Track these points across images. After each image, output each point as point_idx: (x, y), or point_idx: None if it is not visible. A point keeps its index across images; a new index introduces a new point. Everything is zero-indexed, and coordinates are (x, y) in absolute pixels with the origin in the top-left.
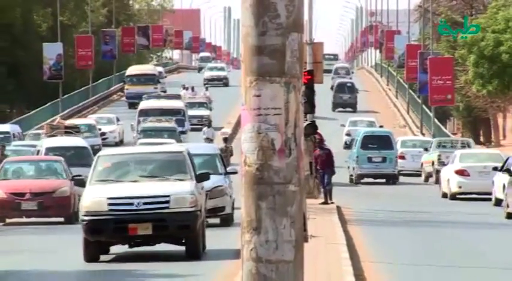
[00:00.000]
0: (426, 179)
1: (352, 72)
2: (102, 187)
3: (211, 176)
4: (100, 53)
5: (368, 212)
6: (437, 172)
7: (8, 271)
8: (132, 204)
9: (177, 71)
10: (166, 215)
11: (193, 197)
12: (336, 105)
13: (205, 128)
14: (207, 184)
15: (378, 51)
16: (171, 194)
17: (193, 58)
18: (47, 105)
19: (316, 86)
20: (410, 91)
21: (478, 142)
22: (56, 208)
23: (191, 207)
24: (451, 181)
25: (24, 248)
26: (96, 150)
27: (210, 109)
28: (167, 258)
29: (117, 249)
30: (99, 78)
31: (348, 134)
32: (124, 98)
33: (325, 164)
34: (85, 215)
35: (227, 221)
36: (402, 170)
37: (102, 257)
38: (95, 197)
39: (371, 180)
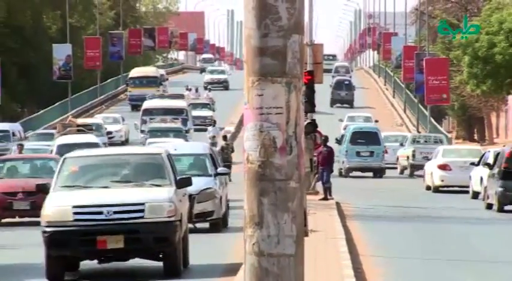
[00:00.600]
0: (401, 172)
1: (352, 71)
2: (67, 194)
3: (200, 178)
4: (108, 54)
5: (366, 207)
6: (412, 166)
7: None
8: (101, 213)
9: (182, 71)
10: (140, 225)
11: (171, 205)
12: (334, 101)
13: (210, 127)
14: (195, 187)
15: (375, 52)
16: (146, 201)
17: (197, 59)
18: (56, 104)
19: (317, 83)
20: (407, 91)
21: (472, 140)
22: None
23: (169, 216)
24: (434, 175)
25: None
26: None
27: (213, 110)
28: (142, 276)
29: (84, 265)
30: (107, 78)
31: (345, 129)
32: (127, 100)
33: (325, 161)
34: (47, 226)
35: (217, 226)
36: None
37: (68, 274)
38: (58, 205)
39: (359, 173)
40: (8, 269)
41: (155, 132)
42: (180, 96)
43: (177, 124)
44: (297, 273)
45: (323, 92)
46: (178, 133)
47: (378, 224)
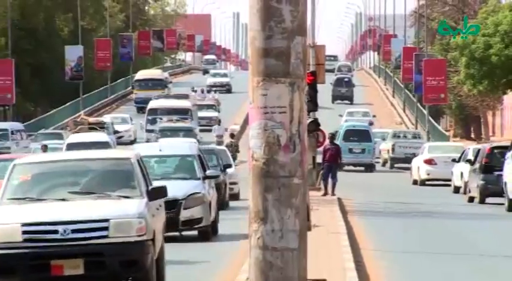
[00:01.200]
0: (383, 165)
1: (353, 70)
2: (16, 209)
3: (187, 182)
4: (118, 55)
5: (366, 203)
6: (392, 159)
7: None
8: (56, 232)
9: (189, 72)
10: (103, 247)
11: (141, 221)
12: (335, 98)
13: (215, 126)
14: (182, 191)
15: (376, 53)
16: (112, 217)
17: (200, 60)
18: (68, 104)
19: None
20: (406, 91)
21: (469, 138)
22: None
23: (139, 235)
24: (420, 169)
25: None
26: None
27: (218, 111)
28: None
29: None
30: (117, 78)
31: (346, 122)
32: (133, 102)
33: (333, 158)
34: None
35: (206, 234)
36: None
37: None
38: (5, 223)
39: (351, 168)
40: None
41: (165, 132)
42: (185, 97)
43: (187, 124)
44: (300, 266)
45: (324, 89)
46: (188, 132)
47: (378, 219)
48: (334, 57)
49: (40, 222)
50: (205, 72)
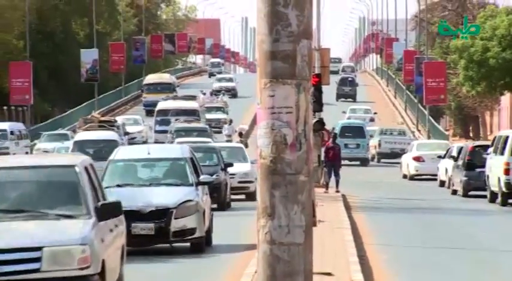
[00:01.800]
0: (371, 159)
1: (356, 70)
2: None
3: (178, 188)
4: (131, 58)
5: (369, 200)
6: (378, 153)
7: None
8: None
9: (200, 74)
10: None
11: (85, 249)
12: (339, 96)
13: (226, 125)
14: (173, 199)
15: (378, 56)
16: (46, 244)
17: (205, 63)
18: (83, 104)
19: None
20: (408, 92)
21: (467, 137)
22: None
23: (82, 268)
24: (409, 166)
25: None
26: None
27: (227, 113)
28: None
29: None
30: (131, 80)
31: (349, 119)
32: (142, 105)
33: (336, 156)
34: None
35: (199, 246)
36: None
37: None
38: None
39: (347, 162)
40: None
41: (180, 132)
42: (193, 98)
43: (201, 124)
44: (306, 260)
45: (329, 88)
46: (202, 133)
47: (380, 215)
48: (339, 60)
49: None
50: (211, 75)
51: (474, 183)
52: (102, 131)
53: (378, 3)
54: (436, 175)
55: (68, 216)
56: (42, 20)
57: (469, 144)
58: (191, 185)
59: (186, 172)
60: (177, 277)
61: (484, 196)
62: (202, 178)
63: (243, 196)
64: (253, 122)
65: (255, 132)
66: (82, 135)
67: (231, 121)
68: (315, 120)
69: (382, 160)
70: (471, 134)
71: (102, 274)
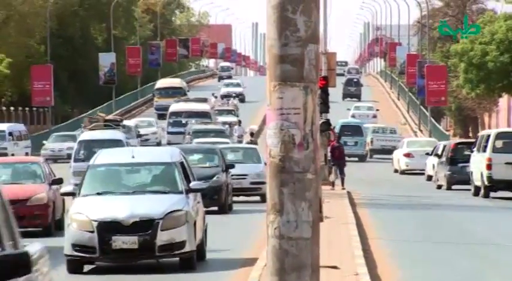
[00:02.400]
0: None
1: (361, 72)
2: None
3: (166, 197)
4: (147, 62)
5: (371, 196)
6: (371, 150)
7: None
8: None
9: (212, 77)
10: None
11: None
12: (345, 96)
13: (236, 126)
14: (159, 209)
15: (382, 60)
16: None
17: (216, 67)
18: (102, 105)
19: (330, 87)
20: (410, 94)
21: (467, 137)
22: (32, 217)
23: None
24: (400, 161)
25: None
26: None
27: (237, 116)
28: None
29: None
30: (146, 83)
31: (353, 116)
32: (153, 109)
33: (341, 156)
34: None
35: (190, 262)
36: None
37: None
38: None
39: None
40: None
41: (197, 133)
42: (204, 100)
43: (218, 126)
44: (313, 254)
45: (336, 88)
46: (220, 134)
47: (383, 211)
48: (345, 63)
49: None
50: (221, 78)
51: (457, 177)
52: (108, 131)
53: (382, 10)
54: (424, 170)
55: None
56: (62, 26)
57: (451, 142)
58: (180, 192)
59: (174, 178)
60: None
61: (467, 189)
62: (194, 184)
63: (257, 198)
64: (263, 122)
65: (264, 132)
66: (87, 135)
67: (240, 122)
68: (321, 121)
69: (374, 156)
70: (470, 134)
71: None
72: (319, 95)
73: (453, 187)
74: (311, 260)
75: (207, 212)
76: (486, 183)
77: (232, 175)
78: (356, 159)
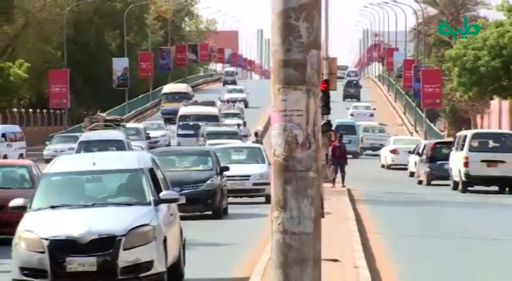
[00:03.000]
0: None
1: (359, 75)
2: None
3: (131, 209)
4: (158, 66)
5: (371, 193)
6: (361, 148)
7: None
8: None
9: (220, 80)
10: None
11: None
12: (345, 97)
13: (241, 127)
14: (122, 224)
15: (380, 64)
16: None
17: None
18: (115, 108)
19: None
20: (406, 96)
21: None
22: (14, 224)
23: None
24: (387, 157)
25: None
26: None
27: (243, 119)
28: None
29: None
30: (158, 86)
31: (352, 115)
32: (160, 114)
33: (342, 155)
34: None
35: None
36: None
37: None
38: None
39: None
40: None
41: (211, 135)
42: (212, 104)
43: (231, 128)
44: (315, 248)
45: (337, 90)
46: (232, 135)
47: (381, 207)
48: (345, 67)
49: None
50: (226, 83)
51: (436, 173)
52: (108, 131)
53: (380, 17)
54: (407, 165)
55: None
56: (78, 32)
57: (431, 141)
58: (148, 204)
59: (141, 187)
60: None
61: (445, 185)
62: (165, 194)
63: (262, 199)
64: (268, 123)
65: (269, 133)
66: (87, 135)
67: (245, 123)
68: (323, 122)
69: (364, 153)
70: None
71: None
72: (320, 97)
73: (432, 182)
74: (313, 254)
75: (201, 218)
76: (464, 179)
77: (234, 176)
78: (350, 156)
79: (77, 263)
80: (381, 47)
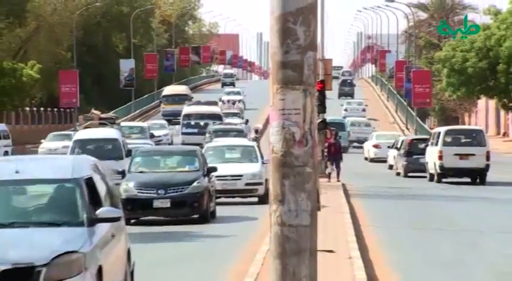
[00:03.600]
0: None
1: (353, 74)
2: None
3: (58, 232)
4: (163, 67)
5: (364, 188)
6: (348, 141)
7: None
8: None
9: (220, 81)
10: None
11: None
12: (340, 95)
13: (243, 125)
14: (44, 251)
15: (373, 65)
16: None
17: (220, 74)
18: (122, 106)
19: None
20: (398, 96)
21: None
22: None
23: None
24: (370, 151)
25: None
26: None
27: (242, 118)
28: None
29: None
30: (162, 86)
31: (346, 110)
32: (160, 115)
33: (338, 151)
34: None
35: None
36: None
37: None
38: None
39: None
40: None
41: (217, 132)
42: (215, 103)
43: (238, 126)
44: (311, 239)
45: (333, 88)
46: (239, 133)
47: (373, 201)
48: (340, 68)
49: None
50: (224, 84)
51: (412, 166)
52: (103, 129)
53: (373, 21)
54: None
55: None
56: (87, 35)
57: (408, 137)
58: (81, 224)
59: (74, 203)
60: None
61: (421, 177)
62: (102, 211)
63: (255, 199)
64: (266, 122)
65: (268, 131)
66: (82, 134)
67: (247, 121)
68: (319, 120)
69: (352, 145)
70: None
71: None
72: (317, 97)
73: (409, 174)
74: (310, 245)
75: (187, 222)
76: (438, 171)
77: (225, 176)
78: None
79: None
80: (374, 49)
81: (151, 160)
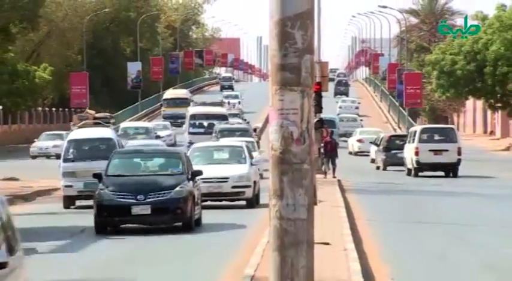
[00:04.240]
0: None
1: (348, 76)
2: None
3: None
4: (168, 70)
5: (359, 183)
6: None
7: None
8: None
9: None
10: None
11: None
12: (336, 94)
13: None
14: None
15: (367, 68)
16: None
17: (234, 74)
18: (130, 107)
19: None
20: (391, 97)
21: None
22: None
23: None
24: (354, 145)
25: None
26: None
27: (242, 118)
28: None
29: None
30: (168, 87)
31: (340, 107)
32: (161, 118)
33: (333, 149)
34: None
35: None
36: None
37: None
38: None
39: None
40: None
41: (223, 132)
42: (220, 104)
43: (244, 125)
44: (308, 232)
45: (328, 88)
46: (245, 133)
47: (367, 196)
48: (335, 70)
49: None
50: (223, 88)
51: (390, 161)
52: (97, 129)
53: (367, 25)
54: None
55: None
56: (96, 39)
57: (387, 134)
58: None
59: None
60: None
61: (398, 170)
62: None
63: (243, 202)
64: (266, 121)
65: (267, 130)
66: (76, 133)
67: (247, 122)
68: (315, 119)
69: (340, 139)
70: None
71: None
72: (313, 97)
73: (388, 168)
74: (307, 238)
75: (169, 231)
76: (415, 165)
77: (211, 178)
78: None
79: None
80: (367, 53)
81: (131, 162)
